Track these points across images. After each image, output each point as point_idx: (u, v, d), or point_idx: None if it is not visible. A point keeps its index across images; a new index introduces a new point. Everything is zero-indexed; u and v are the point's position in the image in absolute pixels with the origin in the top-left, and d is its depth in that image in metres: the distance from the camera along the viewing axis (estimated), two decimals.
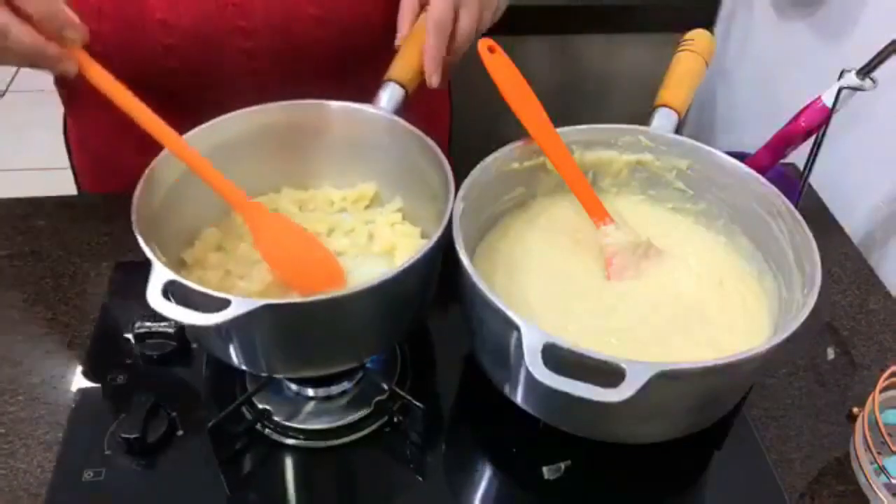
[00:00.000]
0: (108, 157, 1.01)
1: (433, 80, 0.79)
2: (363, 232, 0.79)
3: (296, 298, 0.69)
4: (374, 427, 0.73)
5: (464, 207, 0.69)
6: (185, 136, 0.71)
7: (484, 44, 0.76)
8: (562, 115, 0.91)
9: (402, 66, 0.80)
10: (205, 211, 0.77)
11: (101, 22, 0.83)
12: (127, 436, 0.69)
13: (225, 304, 0.56)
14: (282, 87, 0.87)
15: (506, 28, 1.00)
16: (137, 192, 0.66)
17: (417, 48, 0.79)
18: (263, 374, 0.71)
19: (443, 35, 0.79)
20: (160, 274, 0.59)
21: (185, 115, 0.73)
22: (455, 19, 0.81)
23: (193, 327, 0.63)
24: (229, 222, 0.78)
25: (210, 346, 0.71)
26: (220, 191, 0.70)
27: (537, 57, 1.47)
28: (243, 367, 0.68)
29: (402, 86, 0.79)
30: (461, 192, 0.70)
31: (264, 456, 0.71)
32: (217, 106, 0.77)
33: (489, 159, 0.75)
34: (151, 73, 0.86)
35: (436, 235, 0.65)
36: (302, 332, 0.64)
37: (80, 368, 0.78)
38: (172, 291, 0.59)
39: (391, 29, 0.90)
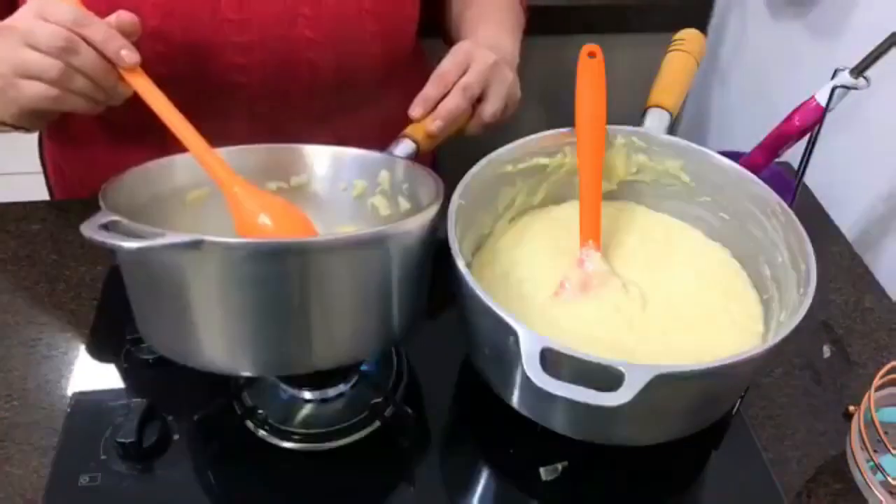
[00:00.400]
0: (85, 185, 1.01)
1: (434, 126, 0.80)
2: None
3: (246, 239, 0.63)
4: (370, 430, 0.73)
5: (460, 206, 0.69)
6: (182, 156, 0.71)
7: (586, 49, 0.78)
8: (553, 115, 0.91)
9: (416, 125, 0.81)
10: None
11: None
12: (122, 440, 0.69)
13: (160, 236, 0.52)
14: (272, 105, 0.87)
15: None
16: (115, 180, 0.66)
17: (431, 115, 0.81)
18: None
19: (466, 98, 0.82)
20: (102, 215, 0.55)
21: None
22: (481, 98, 0.84)
23: (127, 253, 0.57)
24: None
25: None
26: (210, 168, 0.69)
27: (529, 57, 1.46)
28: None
29: (415, 141, 0.80)
30: (457, 191, 0.70)
31: (259, 459, 0.71)
32: (205, 119, 0.75)
33: (485, 160, 0.75)
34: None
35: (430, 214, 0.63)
36: (263, 297, 0.57)
37: (75, 373, 0.78)
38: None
39: (389, 62, 0.92)
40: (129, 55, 0.69)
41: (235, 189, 0.69)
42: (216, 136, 0.72)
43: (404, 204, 0.77)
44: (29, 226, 0.94)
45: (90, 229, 0.53)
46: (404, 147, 0.79)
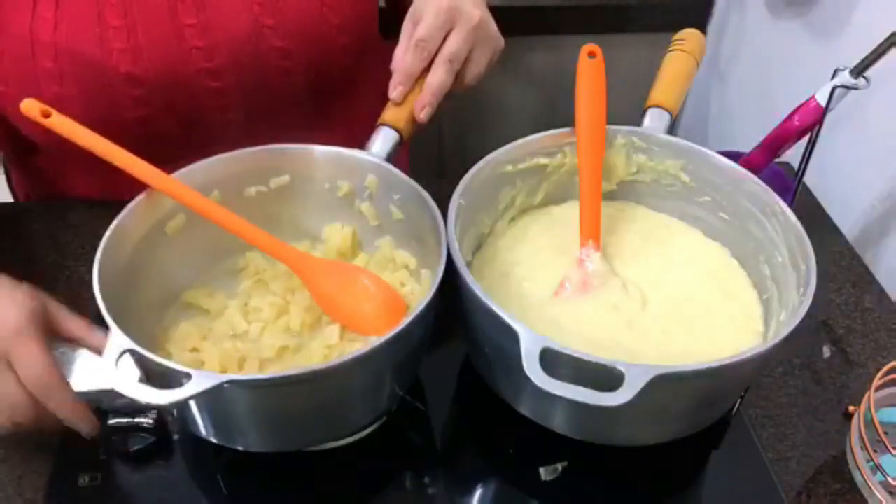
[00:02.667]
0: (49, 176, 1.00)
1: (423, 114, 0.77)
2: None
3: (264, 375, 0.65)
4: (374, 428, 0.73)
5: (460, 205, 0.69)
6: (149, 190, 0.70)
7: (586, 49, 0.75)
8: (553, 115, 0.91)
9: (397, 110, 0.77)
10: (179, 269, 0.75)
11: (65, 86, 0.81)
12: (122, 440, 0.69)
13: (185, 378, 0.54)
14: (258, 121, 0.85)
15: (497, 28, 1.00)
16: (100, 250, 0.64)
17: (414, 91, 0.78)
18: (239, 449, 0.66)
19: (452, 72, 0.77)
20: (116, 341, 0.56)
21: (174, 155, 0.72)
22: (468, 59, 0.79)
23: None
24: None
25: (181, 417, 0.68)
26: (269, 250, 0.71)
27: (529, 57, 1.46)
28: (213, 440, 0.65)
29: (397, 130, 0.76)
30: (457, 191, 0.70)
31: (263, 456, 0.71)
32: (203, 144, 0.75)
33: (485, 160, 0.75)
34: (128, 123, 0.85)
35: (423, 303, 0.61)
36: (277, 408, 0.61)
37: (75, 373, 0.78)
38: (135, 359, 0.57)
39: (358, 48, 0.90)
40: (88, 429, 0.63)
41: (309, 273, 0.71)
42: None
43: (397, 213, 0.76)
44: (29, 226, 0.94)
45: (118, 382, 0.54)
46: (386, 138, 0.76)
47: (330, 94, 0.95)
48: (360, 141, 0.77)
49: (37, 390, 0.59)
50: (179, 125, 0.88)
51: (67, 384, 0.61)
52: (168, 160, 0.71)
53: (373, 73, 0.92)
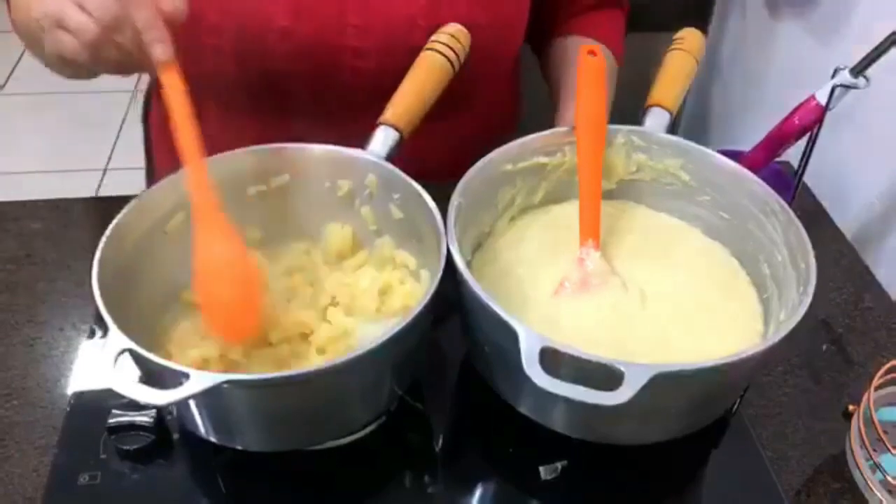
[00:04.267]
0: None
1: None
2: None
3: (262, 374, 0.64)
4: (373, 428, 0.73)
5: (460, 205, 0.69)
6: (149, 190, 0.70)
7: (586, 48, 0.76)
8: (553, 115, 0.91)
9: (397, 109, 0.77)
10: (179, 268, 0.72)
11: (223, 39, 0.87)
12: (122, 440, 0.69)
13: (184, 377, 0.54)
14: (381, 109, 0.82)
15: None
16: (100, 250, 0.64)
17: (414, 90, 0.78)
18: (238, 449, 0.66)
19: None
20: (115, 341, 0.56)
21: (288, 119, 0.75)
22: None
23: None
24: None
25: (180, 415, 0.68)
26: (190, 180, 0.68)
27: (530, 57, 1.46)
28: (212, 440, 0.65)
29: (397, 130, 0.76)
30: (457, 191, 0.70)
31: (263, 457, 0.71)
32: (324, 121, 0.82)
33: (485, 160, 0.75)
34: (274, 75, 0.90)
35: (422, 303, 0.61)
36: (276, 408, 0.61)
37: (74, 372, 0.78)
38: (133, 359, 0.57)
39: (497, 55, 0.96)
40: (162, 50, 0.66)
41: (198, 223, 0.67)
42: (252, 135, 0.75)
43: (397, 213, 0.76)
44: (29, 225, 0.94)
45: (116, 382, 0.54)
46: (386, 138, 0.76)
47: (462, 98, 0.94)
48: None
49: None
50: (315, 94, 0.92)
51: None
52: (284, 126, 0.71)
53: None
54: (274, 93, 0.92)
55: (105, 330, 0.58)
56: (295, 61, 0.89)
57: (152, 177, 1.15)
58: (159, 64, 0.66)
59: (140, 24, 0.65)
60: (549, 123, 0.79)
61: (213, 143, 0.69)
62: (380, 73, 0.88)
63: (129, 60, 0.68)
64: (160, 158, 1.11)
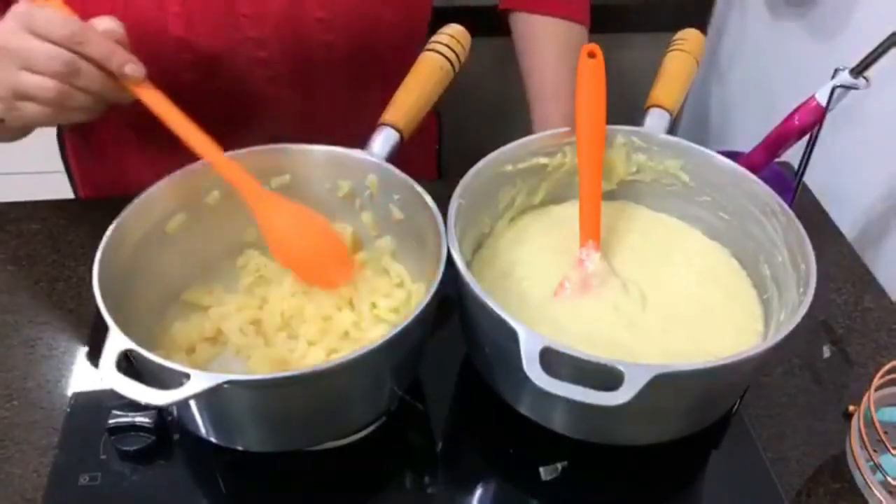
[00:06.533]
0: (109, 158, 1.01)
1: None
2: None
3: (263, 375, 0.65)
4: (374, 428, 0.73)
5: (460, 205, 0.69)
6: (149, 190, 0.70)
7: (586, 49, 0.76)
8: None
9: (398, 110, 0.77)
10: (179, 268, 0.75)
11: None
12: (122, 440, 0.69)
13: (184, 378, 0.54)
14: (304, 97, 0.85)
15: (498, 29, 1.00)
16: (100, 250, 0.64)
17: (415, 91, 0.78)
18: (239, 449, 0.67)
19: None
20: (116, 341, 0.56)
21: (218, 127, 0.73)
22: None
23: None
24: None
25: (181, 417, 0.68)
26: (223, 170, 0.70)
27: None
28: (213, 440, 0.65)
29: (398, 130, 0.76)
30: (457, 191, 0.70)
31: (263, 457, 0.71)
32: (247, 116, 0.77)
33: (485, 160, 0.75)
34: (182, 87, 0.84)
35: (422, 303, 0.61)
36: (277, 408, 0.62)
37: (75, 373, 0.78)
38: (133, 359, 0.57)
39: (404, 31, 0.91)
40: (133, 69, 0.66)
41: (259, 201, 0.71)
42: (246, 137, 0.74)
43: (397, 213, 0.76)
44: (29, 226, 0.94)
45: (107, 370, 0.55)
46: (386, 138, 0.76)
47: (372, 75, 0.95)
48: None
49: (73, 44, 0.64)
50: (227, 95, 0.90)
51: (92, 26, 0.65)
52: (213, 132, 0.71)
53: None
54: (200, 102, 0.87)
55: (105, 330, 0.58)
56: (198, 69, 0.86)
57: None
58: (135, 83, 0.67)
59: (99, 55, 0.64)
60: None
61: (131, 174, 0.69)
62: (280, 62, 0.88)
63: (98, 100, 0.68)
64: (82, 187, 1.10)
